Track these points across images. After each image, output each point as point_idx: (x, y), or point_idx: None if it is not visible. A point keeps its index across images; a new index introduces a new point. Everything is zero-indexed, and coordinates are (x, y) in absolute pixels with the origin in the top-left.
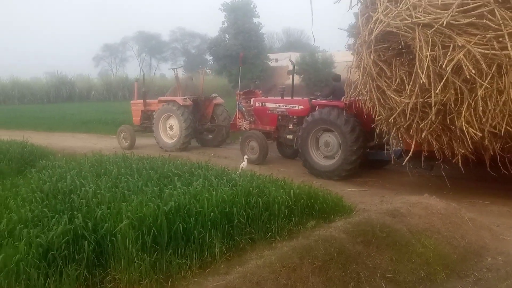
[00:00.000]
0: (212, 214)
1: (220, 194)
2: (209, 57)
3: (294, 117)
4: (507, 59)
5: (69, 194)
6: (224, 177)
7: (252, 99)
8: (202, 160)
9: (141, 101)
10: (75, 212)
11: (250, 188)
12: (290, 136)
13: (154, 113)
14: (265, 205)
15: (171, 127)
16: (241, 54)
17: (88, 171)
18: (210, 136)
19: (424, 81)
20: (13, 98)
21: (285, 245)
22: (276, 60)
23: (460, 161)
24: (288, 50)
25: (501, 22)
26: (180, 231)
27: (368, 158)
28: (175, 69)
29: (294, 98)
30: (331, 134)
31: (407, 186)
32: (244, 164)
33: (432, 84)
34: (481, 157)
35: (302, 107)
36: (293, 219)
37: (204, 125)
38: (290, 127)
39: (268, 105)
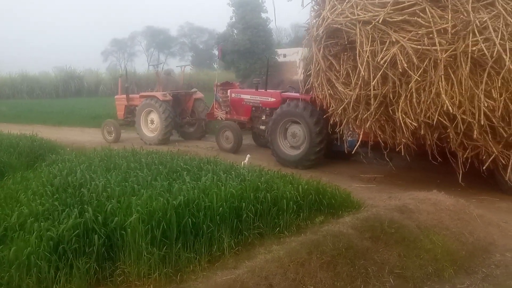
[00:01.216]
0: (221, 208)
1: (229, 189)
2: (217, 52)
3: (267, 108)
4: (437, 54)
5: (79, 188)
6: (233, 172)
7: (229, 91)
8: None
9: (125, 96)
10: (85, 206)
11: (259, 183)
12: (262, 127)
13: (136, 107)
14: (274, 200)
15: (152, 121)
16: (220, 47)
17: (98, 165)
18: (191, 129)
19: (363, 73)
20: (22, 92)
21: (293, 240)
22: (284, 56)
23: (403, 150)
24: (296, 46)
25: (430, 20)
26: (189, 225)
27: (333, 149)
28: (155, 66)
29: (268, 90)
30: (298, 125)
31: (416, 182)
32: (245, 161)
33: (372, 77)
34: (423, 147)
35: (274, 99)
36: (301, 214)
37: (184, 119)
38: (263, 118)
39: (243, 96)
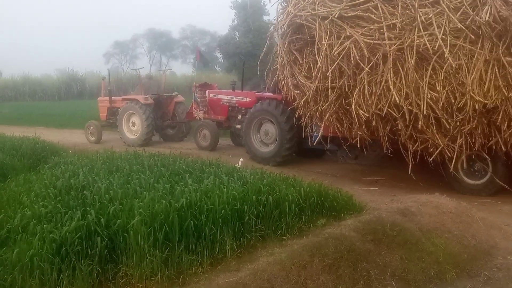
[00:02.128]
0: (223, 211)
1: (231, 191)
2: (219, 55)
3: (243, 108)
4: (386, 48)
5: (82, 190)
6: (235, 175)
7: (207, 91)
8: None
9: (107, 98)
10: (88, 208)
11: (261, 186)
12: (239, 126)
13: (119, 109)
14: (276, 203)
15: (133, 124)
16: (198, 49)
17: (100, 168)
18: (172, 131)
19: (320, 65)
20: (24, 95)
21: (295, 242)
22: None
23: (358, 143)
24: None
25: (381, 15)
26: (191, 227)
27: (305, 148)
28: (138, 70)
29: (243, 91)
30: (271, 124)
31: (418, 185)
32: (238, 165)
33: (329, 70)
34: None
35: (250, 99)
36: (303, 217)
37: (165, 121)
38: (239, 117)
39: (220, 96)
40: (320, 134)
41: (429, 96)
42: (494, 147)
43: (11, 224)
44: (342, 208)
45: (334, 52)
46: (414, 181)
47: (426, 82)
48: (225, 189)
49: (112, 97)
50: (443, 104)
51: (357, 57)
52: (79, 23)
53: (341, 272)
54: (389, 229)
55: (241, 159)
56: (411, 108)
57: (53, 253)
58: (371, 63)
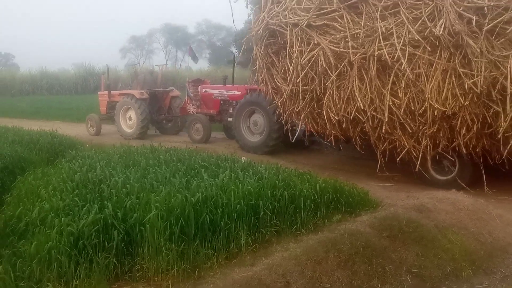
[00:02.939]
0: (238, 206)
1: (246, 186)
2: (234, 50)
3: (234, 101)
4: (351, 56)
5: (99, 184)
6: (250, 170)
7: (199, 86)
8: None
9: (107, 92)
10: (105, 202)
11: (276, 181)
12: (230, 119)
13: (117, 103)
14: (291, 198)
15: (130, 118)
16: (189, 46)
17: (117, 162)
18: (169, 125)
19: (291, 71)
20: (41, 89)
21: (310, 238)
22: None
23: (332, 141)
24: None
25: (346, 25)
26: (207, 222)
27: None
28: (134, 66)
29: (234, 85)
30: (260, 114)
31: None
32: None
33: (300, 76)
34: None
35: (240, 92)
36: (318, 212)
37: (161, 115)
38: (230, 111)
39: (212, 91)
40: (299, 130)
41: (391, 102)
42: (457, 148)
43: (30, 217)
44: (358, 204)
45: (304, 59)
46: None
47: (388, 89)
48: (240, 184)
49: (111, 92)
50: (405, 109)
51: (324, 64)
52: (95, 18)
53: (356, 268)
54: (405, 225)
55: (243, 157)
56: (375, 113)
57: (70, 246)
58: (338, 70)
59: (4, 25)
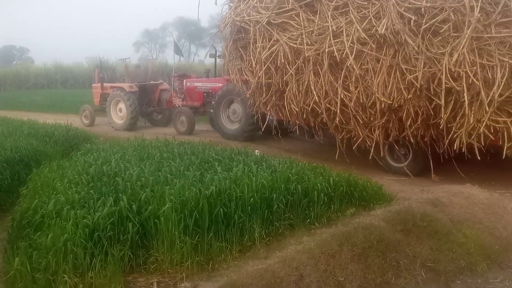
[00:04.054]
0: (252, 199)
1: (260, 180)
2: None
3: (216, 93)
4: (306, 53)
5: (114, 177)
6: (264, 163)
7: (184, 80)
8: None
9: (100, 84)
10: (120, 195)
11: (290, 175)
12: (212, 110)
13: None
14: (304, 192)
15: (120, 110)
16: (174, 41)
17: (132, 155)
18: (159, 116)
19: (254, 66)
20: (56, 82)
21: (324, 231)
22: None
23: (297, 130)
24: None
25: (302, 23)
26: (220, 215)
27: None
28: (124, 60)
29: (216, 77)
30: (237, 103)
31: (448, 175)
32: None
33: (262, 70)
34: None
35: (221, 84)
36: (332, 206)
37: (150, 107)
38: (213, 102)
39: (196, 84)
40: (267, 119)
41: (343, 95)
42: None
43: (45, 209)
44: (372, 198)
45: (264, 54)
46: (444, 171)
47: (340, 83)
48: (254, 178)
49: (104, 84)
50: (355, 102)
51: (283, 59)
52: (109, 12)
53: (370, 262)
54: (419, 219)
55: (256, 151)
56: (329, 106)
57: (86, 238)
58: (296, 65)
59: (19, 19)
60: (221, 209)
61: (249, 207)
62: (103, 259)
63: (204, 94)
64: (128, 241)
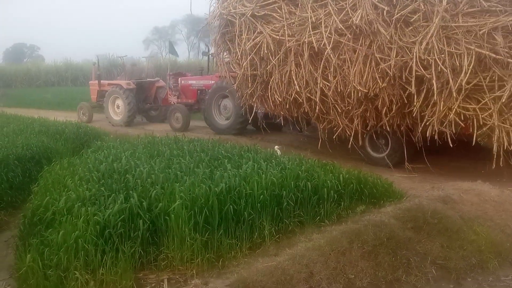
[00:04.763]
0: (261, 196)
1: (270, 177)
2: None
3: (209, 90)
4: (288, 44)
5: (124, 174)
6: (273, 161)
7: (179, 78)
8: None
9: (97, 82)
10: (131, 192)
11: (299, 172)
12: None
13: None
14: (314, 189)
15: (118, 106)
16: (169, 41)
17: (142, 152)
18: (155, 113)
19: (239, 57)
20: (66, 80)
21: (334, 229)
22: None
23: (282, 121)
24: None
25: (283, 15)
26: (230, 212)
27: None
28: (122, 57)
29: (209, 75)
30: (228, 99)
31: (459, 172)
32: (277, 150)
33: (246, 60)
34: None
35: (214, 81)
36: (342, 203)
37: (147, 104)
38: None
39: (190, 82)
40: (253, 111)
41: (322, 85)
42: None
43: (57, 206)
44: (382, 195)
45: (248, 45)
46: (455, 168)
47: (319, 73)
48: (263, 175)
49: (101, 81)
50: (334, 91)
51: (266, 50)
52: (119, 10)
53: (380, 259)
54: (430, 216)
55: (276, 146)
56: (309, 95)
57: (97, 235)
58: (278, 55)
59: (29, 17)
60: (231, 206)
61: (258, 204)
62: (114, 256)
63: (198, 92)
64: (139, 238)
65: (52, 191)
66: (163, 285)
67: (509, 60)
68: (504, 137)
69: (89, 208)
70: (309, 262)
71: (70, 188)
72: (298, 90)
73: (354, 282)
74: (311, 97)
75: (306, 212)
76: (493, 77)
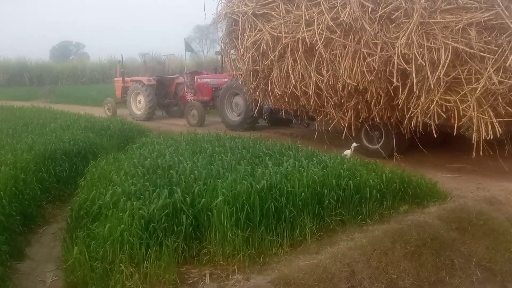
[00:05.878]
0: (302, 194)
1: (311, 175)
2: None
3: (222, 88)
4: (285, 40)
5: (168, 169)
6: (314, 159)
7: (195, 77)
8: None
9: (121, 79)
10: (174, 187)
11: (341, 170)
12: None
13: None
14: (356, 188)
15: (139, 102)
16: (185, 40)
17: (185, 149)
18: (175, 108)
19: (242, 53)
20: (110, 77)
21: (376, 228)
22: None
23: (283, 114)
24: None
25: (281, 14)
26: (271, 209)
27: (274, 117)
28: (143, 55)
29: (223, 73)
30: (239, 96)
31: (505, 173)
32: (348, 152)
33: (247, 56)
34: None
35: (228, 79)
36: (384, 203)
37: (167, 100)
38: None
39: (205, 80)
40: (258, 106)
41: (316, 79)
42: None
43: (103, 200)
44: (426, 195)
45: (248, 42)
46: (500, 168)
47: (313, 67)
48: (305, 173)
49: (125, 78)
50: (327, 85)
51: (266, 47)
52: (161, 9)
53: (423, 260)
54: (475, 217)
55: (353, 144)
56: (305, 88)
57: (141, 229)
58: (276, 51)
59: (75, 15)
60: (272, 203)
61: (300, 202)
62: (158, 249)
63: (213, 89)
64: (182, 232)
65: (98, 186)
66: (205, 279)
67: (482, 54)
68: (483, 128)
69: (134, 202)
70: (351, 261)
71: (115, 182)
72: (294, 83)
73: (397, 282)
74: (307, 90)
75: (347, 211)
76: (471, 70)
